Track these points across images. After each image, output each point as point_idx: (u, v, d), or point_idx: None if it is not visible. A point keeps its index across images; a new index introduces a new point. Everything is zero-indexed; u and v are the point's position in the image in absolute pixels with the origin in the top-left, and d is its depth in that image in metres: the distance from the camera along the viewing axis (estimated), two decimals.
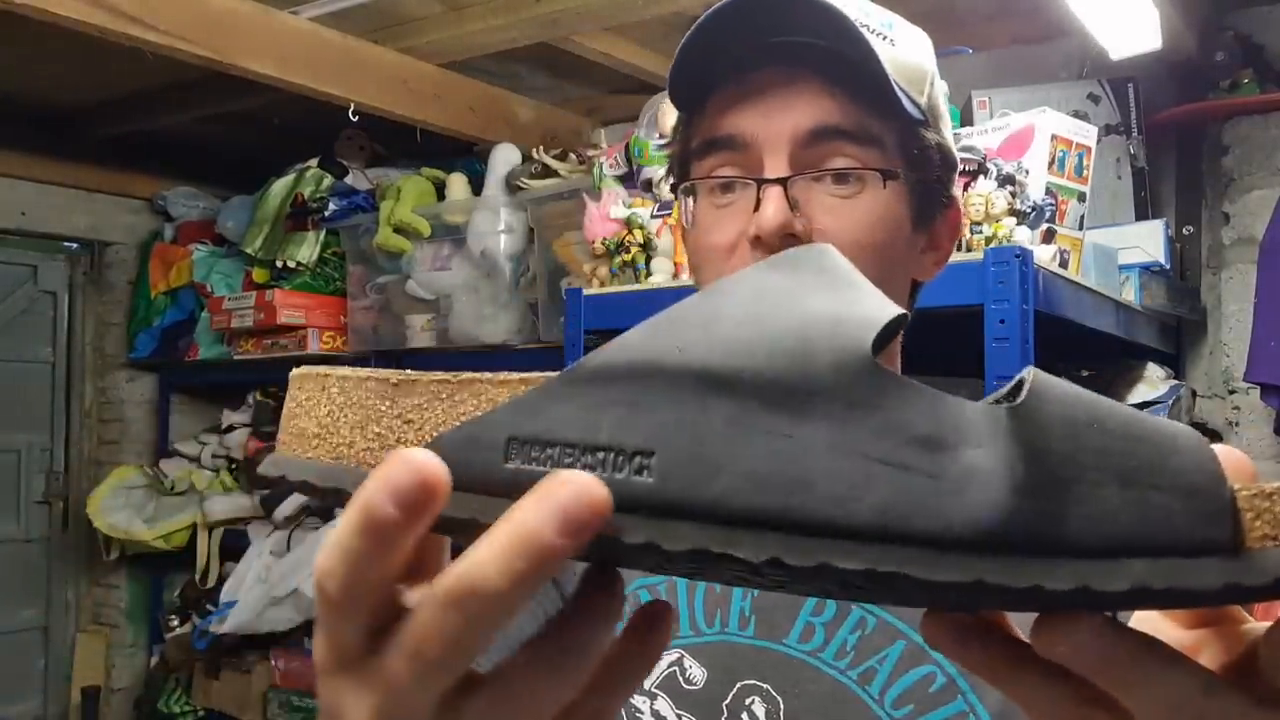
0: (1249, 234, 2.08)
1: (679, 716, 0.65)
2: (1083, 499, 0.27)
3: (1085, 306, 1.58)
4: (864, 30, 0.62)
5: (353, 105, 2.36)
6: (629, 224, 1.88)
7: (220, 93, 2.64)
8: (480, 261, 2.53)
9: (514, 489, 0.27)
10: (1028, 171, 1.48)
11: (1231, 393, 2.10)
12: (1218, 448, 0.28)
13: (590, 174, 2.29)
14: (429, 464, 0.25)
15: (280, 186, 2.98)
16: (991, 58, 2.29)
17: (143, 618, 3.57)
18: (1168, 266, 1.99)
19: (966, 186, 1.43)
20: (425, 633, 0.26)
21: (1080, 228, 1.59)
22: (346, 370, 0.33)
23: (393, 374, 0.32)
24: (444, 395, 0.31)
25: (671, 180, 0.69)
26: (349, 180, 2.94)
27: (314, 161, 2.99)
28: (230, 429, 3.25)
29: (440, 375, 0.31)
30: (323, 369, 0.33)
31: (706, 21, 0.61)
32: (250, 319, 2.85)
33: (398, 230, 2.61)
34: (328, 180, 2.94)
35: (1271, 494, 0.27)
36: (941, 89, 0.70)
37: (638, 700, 0.66)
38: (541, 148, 2.52)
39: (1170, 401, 1.93)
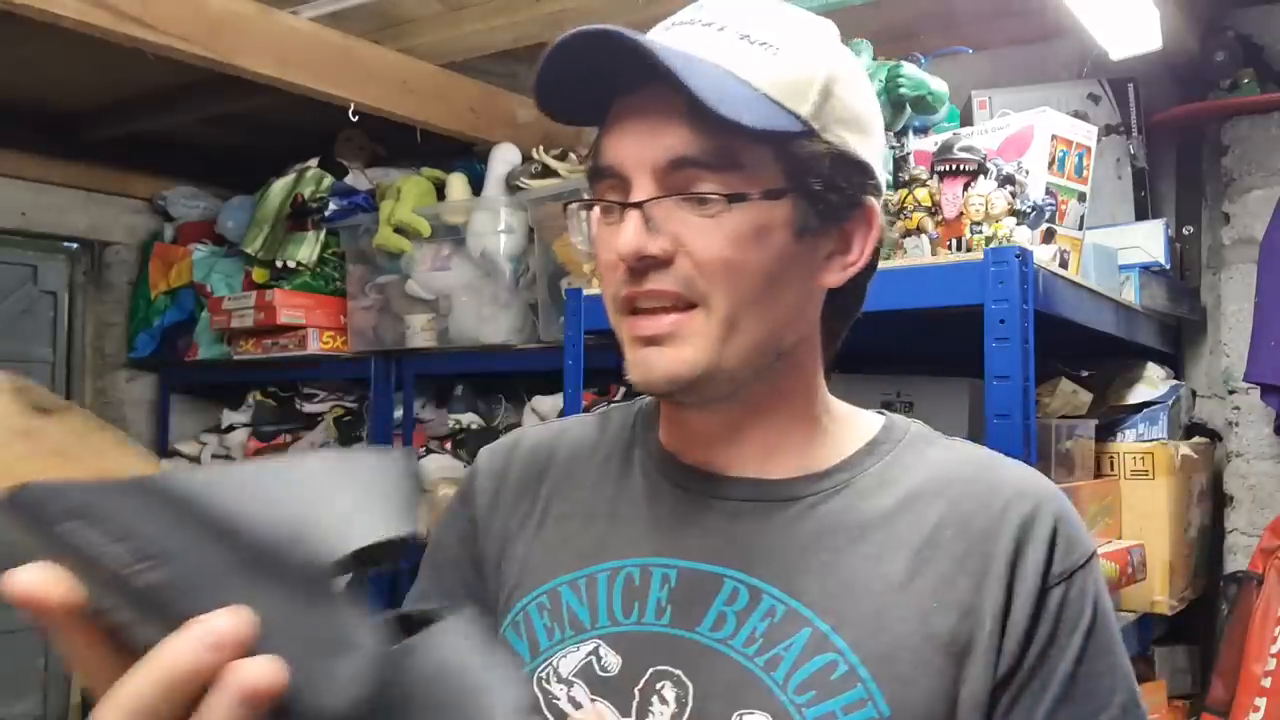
0: (1249, 234, 2.08)
1: (594, 701, 0.68)
2: None
3: (1085, 306, 1.58)
4: (745, 43, 0.66)
5: (353, 105, 2.36)
6: None
7: (220, 93, 2.64)
8: (480, 261, 2.53)
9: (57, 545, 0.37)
10: (1028, 171, 1.48)
11: (1231, 393, 2.10)
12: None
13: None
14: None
15: (280, 186, 2.98)
16: (991, 58, 2.29)
17: None
18: (1168, 266, 1.99)
19: (966, 186, 1.43)
20: None
21: (1080, 228, 1.59)
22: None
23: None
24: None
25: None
26: (349, 180, 2.94)
27: (314, 161, 2.99)
28: (230, 429, 3.25)
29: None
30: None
31: (568, 45, 0.64)
32: (250, 319, 2.85)
33: (398, 230, 2.61)
34: (328, 180, 2.94)
35: None
36: (853, 90, 0.70)
37: (555, 688, 0.69)
38: (541, 148, 2.52)
39: (1170, 401, 1.93)
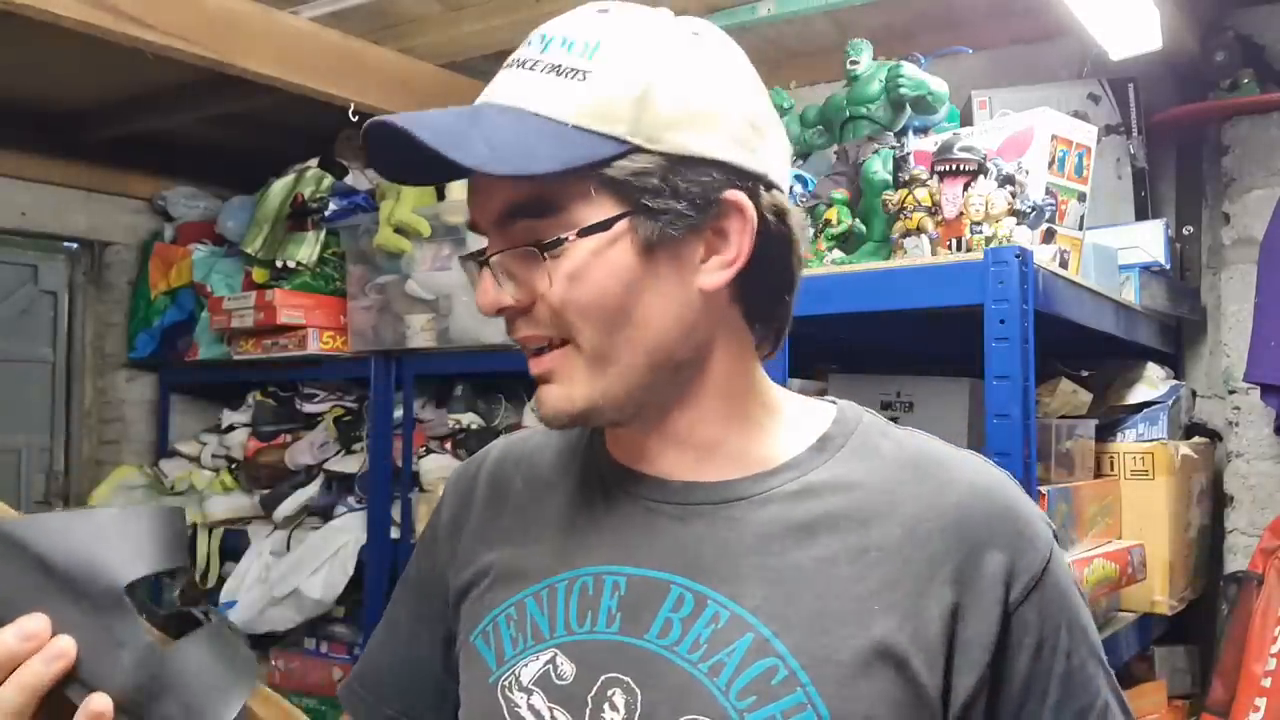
0: (1249, 234, 2.08)
1: (550, 709, 0.70)
2: None
3: (1085, 306, 1.58)
4: (553, 76, 0.66)
5: (353, 105, 2.36)
6: None
7: (220, 93, 2.64)
8: None
9: None
10: (1028, 171, 1.48)
11: (1231, 393, 2.10)
12: None
13: None
14: None
15: (280, 186, 2.98)
16: (991, 58, 2.29)
17: None
18: (1168, 266, 1.99)
19: (967, 186, 1.43)
20: None
21: (1080, 228, 1.59)
22: None
23: None
24: None
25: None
26: (349, 180, 2.94)
27: (314, 161, 2.99)
28: (230, 429, 3.24)
29: None
30: None
31: (370, 137, 0.67)
32: (250, 319, 2.85)
33: (398, 230, 2.61)
34: (328, 180, 2.94)
35: None
36: (684, 87, 0.67)
37: (516, 696, 0.71)
38: None
39: (1170, 402, 1.93)
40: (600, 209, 0.66)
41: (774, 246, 0.71)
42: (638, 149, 0.65)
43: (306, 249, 2.88)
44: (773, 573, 0.68)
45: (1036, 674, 0.67)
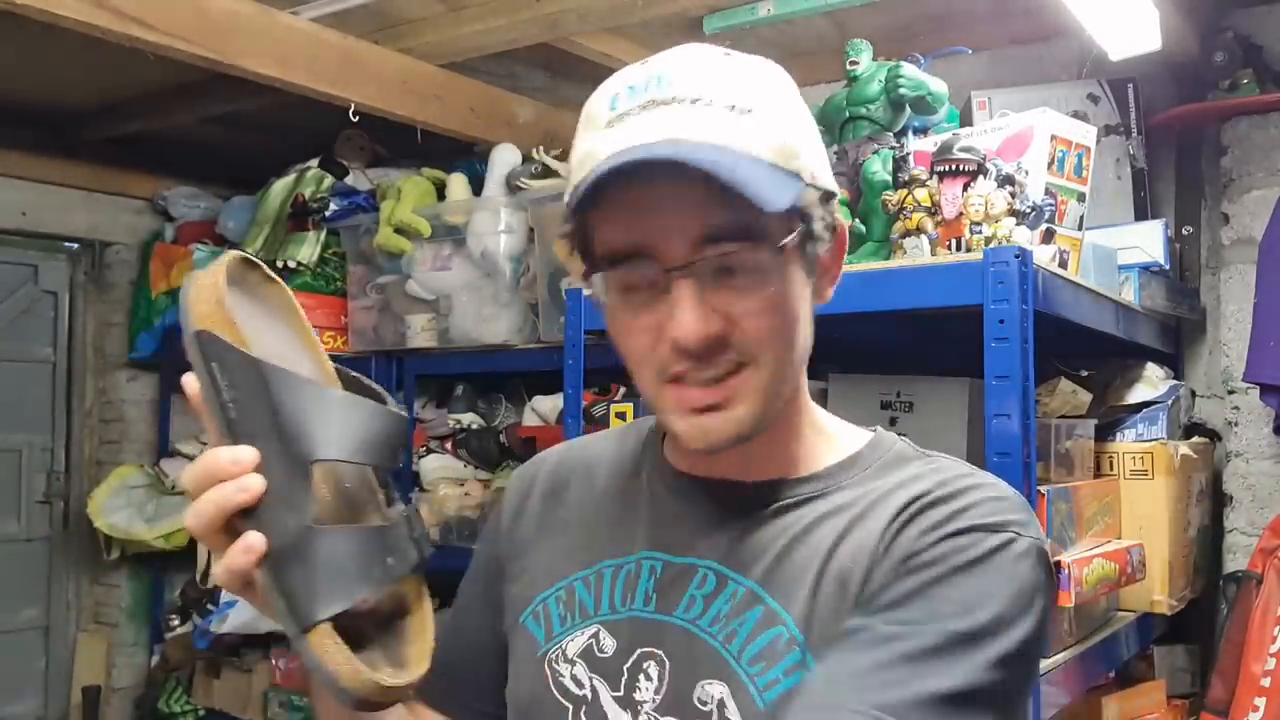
0: (1248, 234, 2.08)
1: (591, 678, 0.78)
2: None
3: (1085, 306, 1.58)
4: (734, 114, 0.68)
5: (353, 105, 2.36)
6: None
7: (220, 93, 2.65)
8: (480, 261, 2.53)
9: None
10: (1027, 172, 1.48)
11: (1231, 393, 2.10)
12: None
13: None
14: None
15: (280, 187, 2.99)
16: (991, 58, 2.30)
17: (143, 617, 3.57)
18: (1167, 267, 1.99)
19: (966, 187, 1.43)
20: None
21: (1080, 228, 1.59)
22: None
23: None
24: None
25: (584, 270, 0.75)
26: (349, 180, 2.94)
27: (314, 161, 2.99)
28: None
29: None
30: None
31: (600, 179, 0.66)
32: None
33: (398, 230, 2.61)
34: (328, 180, 2.94)
35: None
36: (804, 116, 0.75)
37: (561, 667, 0.79)
38: (541, 148, 2.53)
39: (1169, 401, 1.94)
40: (786, 237, 0.70)
41: None
42: (809, 185, 0.72)
43: (307, 249, 2.88)
44: (784, 556, 0.75)
45: (895, 582, 0.69)
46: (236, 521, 0.65)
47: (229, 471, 0.65)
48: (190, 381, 0.69)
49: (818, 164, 0.74)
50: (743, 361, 0.70)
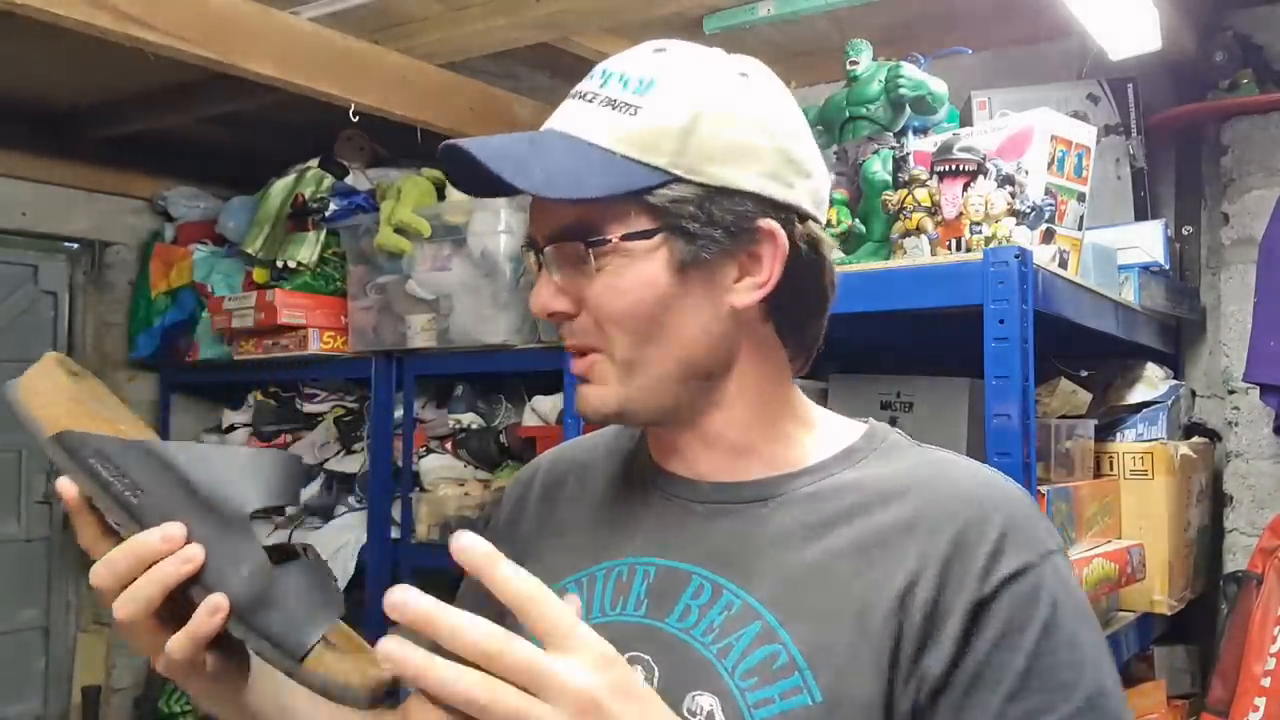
0: (1248, 234, 2.08)
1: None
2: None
3: (1085, 306, 1.58)
4: (607, 109, 0.73)
5: (353, 105, 2.36)
6: None
7: (220, 93, 2.64)
8: (480, 261, 2.53)
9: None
10: (1027, 172, 1.48)
11: (1231, 393, 2.10)
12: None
13: None
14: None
15: (280, 187, 2.98)
16: (991, 58, 2.30)
17: None
18: (1167, 266, 1.99)
19: (966, 187, 1.43)
20: None
21: (1080, 228, 1.59)
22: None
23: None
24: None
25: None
26: (349, 180, 2.94)
27: (314, 162, 2.99)
28: (231, 429, 3.25)
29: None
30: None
31: (445, 156, 0.74)
32: (251, 319, 2.85)
33: (398, 230, 2.61)
34: (328, 180, 2.94)
35: None
36: (725, 123, 0.74)
37: None
38: None
39: (1169, 401, 1.94)
40: (639, 230, 0.74)
41: (805, 271, 0.77)
42: (678, 179, 0.72)
43: (307, 249, 2.88)
44: (785, 568, 0.74)
45: (993, 663, 0.68)
46: (188, 593, 0.68)
47: (162, 551, 0.67)
48: (66, 486, 0.70)
49: (725, 164, 0.73)
50: (598, 348, 0.76)
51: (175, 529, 0.68)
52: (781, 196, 0.75)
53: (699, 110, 0.73)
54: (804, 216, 0.77)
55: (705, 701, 0.71)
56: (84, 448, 0.69)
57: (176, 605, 0.69)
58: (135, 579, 0.67)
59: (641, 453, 0.87)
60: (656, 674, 0.74)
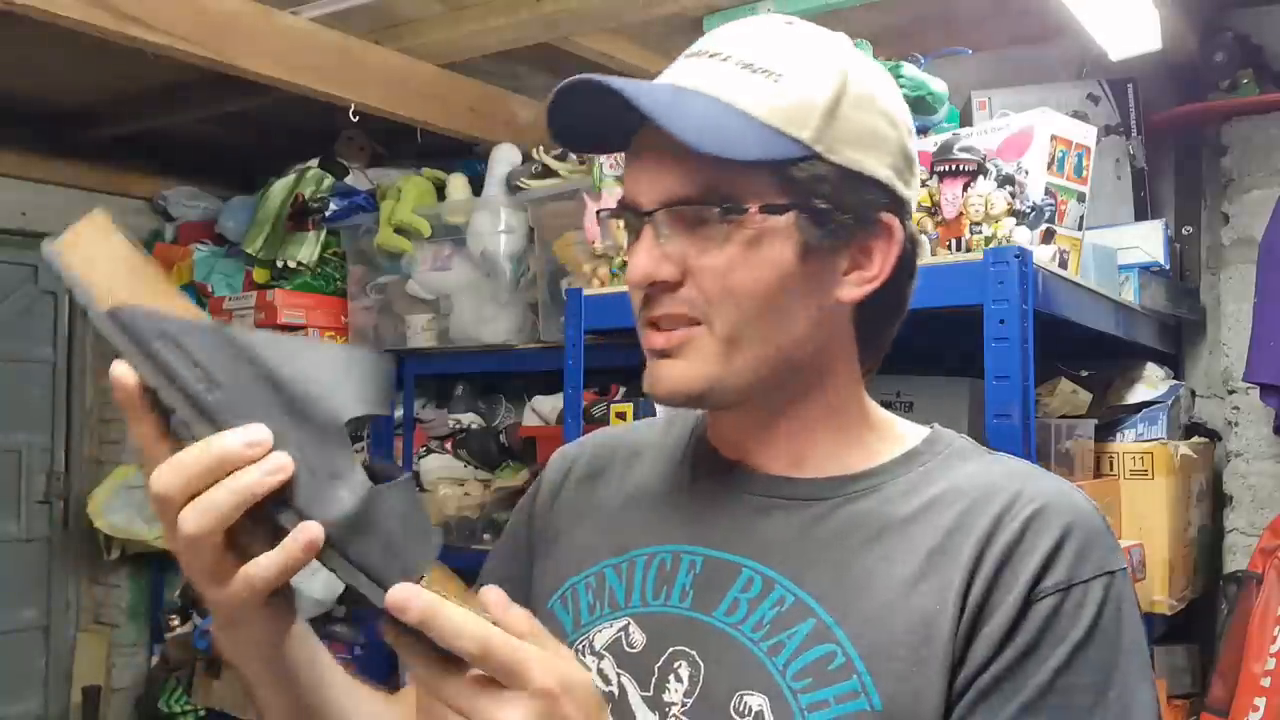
0: (1248, 234, 2.08)
1: (618, 674, 0.74)
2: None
3: (1085, 306, 1.58)
4: (747, 73, 0.69)
5: (353, 105, 2.36)
6: None
7: (220, 93, 2.65)
8: (480, 261, 2.53)
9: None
10: (1027, 172, 1.48)
11: (1231, 393, 2.10)
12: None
13: (590, 174, 2.29)
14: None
15: (280, 187, 2.98)
16: (991, 58, 2.29)
17: (143, 617, 3.57)
18: (1167, 267, 1.99)
19: (966, 187, 1.43)
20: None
21: (1080, 228, 1.59)
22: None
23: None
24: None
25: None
26: (349, 180, 2.94)
27: (314, 161, 2.99)
28: None
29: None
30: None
31: (564, 95, 0.70)
32: (251, 319, 2.85)
33: (398, 230, 2.61)
34: (328, 180, 2.94)
35: None
36: (865, 108, 0.71)
37: (588, 660, 0.75)
38: (541, 148, 2.52)
39: (1169, 401, 1.94)
40: (771, 203, 0.69)
41: (902, 273, 0.76)
42: (818, 156, 0.69)
43: (307, 249, 2.88)
44: (841, 567, 0.71)
45: (1016, 671, 0.66)
46: (276, 517, 0.56)
47: (245, 456, 0.54)
48: (125, 374, 0.56)
49: (860, 150, 0.70)
50: (694, 318, 0.71)
51: (260, 431, 0.55)
52: (901, 191, 0.73)
53: (843, 90, 0.70)
54: (910, 215, 0.75)
55: (754, 701, 0.68)
56: (148, 327, 0.55)
57: (240, 525, 0.56)
58: (208, 487, 0.55)
59: (697, 441, 0.83)
60: (702, 670, 0.70)
